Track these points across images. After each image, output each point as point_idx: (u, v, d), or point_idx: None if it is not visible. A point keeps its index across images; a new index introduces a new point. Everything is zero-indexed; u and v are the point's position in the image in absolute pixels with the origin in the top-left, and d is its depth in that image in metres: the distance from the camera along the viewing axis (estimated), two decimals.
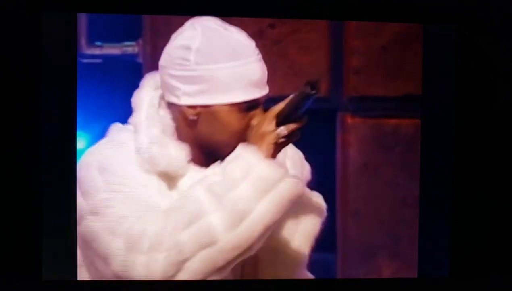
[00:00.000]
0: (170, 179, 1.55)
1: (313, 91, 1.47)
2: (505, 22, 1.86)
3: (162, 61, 1.57)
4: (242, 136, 1.55)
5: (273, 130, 1.49)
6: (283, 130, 1.49)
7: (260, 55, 1.60)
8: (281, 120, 1.53)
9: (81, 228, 1.53)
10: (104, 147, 1.57)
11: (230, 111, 1.53)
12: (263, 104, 1.60)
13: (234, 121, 1.54)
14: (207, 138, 1.56)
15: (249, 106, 1.54)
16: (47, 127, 1.77)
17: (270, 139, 1.49)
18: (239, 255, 1.48)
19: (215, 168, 1.53)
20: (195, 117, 1.55)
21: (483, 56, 1.90)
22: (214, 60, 1.50)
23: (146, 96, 1.58)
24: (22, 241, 1.78)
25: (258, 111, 1.58)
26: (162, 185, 1.54)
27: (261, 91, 1.59)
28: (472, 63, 1.90)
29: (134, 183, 1.51)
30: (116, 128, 1.61)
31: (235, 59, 1.51)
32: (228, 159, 1.51)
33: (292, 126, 1.50)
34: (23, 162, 1.78)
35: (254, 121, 1.54)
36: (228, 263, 1.48)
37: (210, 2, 1.84)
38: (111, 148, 1.55)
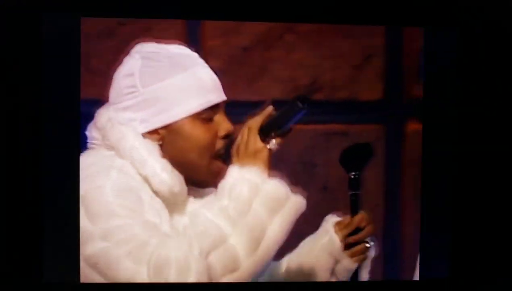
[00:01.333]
0: (171, 204, 1.53)
1: (305, 106, 1.49)
2: (506, 25, 1.91)
3: (111, 100, 1.56)
4: (212, 151, 1.55)
5: (264, 147, 1.51)
6: (274, 145, 1.52)
7: (205, 64, 1.59)
8: (265, 134, 1.52)
9: (88, 251, 1.43)
10: (109, 172, 1.48)
11: (193, 124, 1.52)
12: (224, 112, 1.58)
13: (199, 134, 1.53)
14: (178, 161, 1.53)
15: (209, 115, 1.54)
16: (48, 128, 1.74)
17: (264, 156, 1.50)
18: (254, 279, 1.50)
19: (215, 193, 1.52)
20: (160, 142, 1.53)
21: (485, 59, 1.92)
22: (160, 78, 1.51)
23: (123, 124, 1.52)
24: (24, 243, 1.75)
25: (222, 120, 1.56)
26: (166, 211, 1.51)
27: (217, 97, 1.56)
28: (474, 66, 1.91)
29: (148, 209, 1.46)
30: (99, 153, 1.55)
31: (181, 72, 1.52)
32: (228, 182, 1.49)
33: (279, 140, 1.53)
34: (25, 163, 1.75)
35: (222, 132, 1.56)
36: None
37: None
38: (117, 173, 1.48)
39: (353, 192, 1.69)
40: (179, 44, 1.62)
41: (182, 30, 2.05)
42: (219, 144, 1.56)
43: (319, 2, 1.87)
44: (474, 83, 1.89)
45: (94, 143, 1.56)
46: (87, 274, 1.45)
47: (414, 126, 2.20)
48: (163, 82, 1.51)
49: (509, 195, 1.93)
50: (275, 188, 1.49)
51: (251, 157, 1.50)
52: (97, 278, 1.44)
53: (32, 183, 1.75)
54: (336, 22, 1.96)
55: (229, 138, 1.56)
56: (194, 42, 2.01)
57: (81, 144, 1.65)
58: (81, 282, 1.51)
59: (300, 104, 1.50)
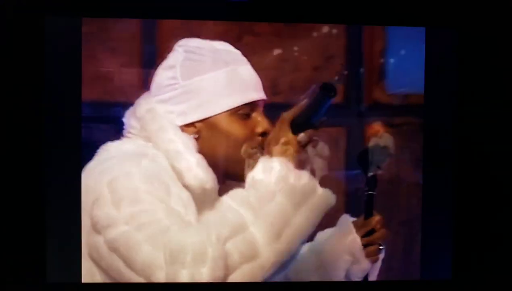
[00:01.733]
0: (200, 201, 1.52)
1: (332, 94, 1.49)
2: (507, 26, 1.91)
3: (151, 92, 1.59)
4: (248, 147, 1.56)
5: (293, 138, 1.50)
6: (304, 137, 1.51)
7: (248, 62, 1.62)
8: (296, 126, 1.51)
9: (111, 235, 1.42)
10: (140, 159, 1.49)
11: (230, 120, 1.54)
12: (262, 110, 1.59)
13: (236, 130, 1.55)
14: (214, 155, 1.55)
15: (247, 112, 1.55)
16: (50, 130, 1.72)
17: (293, 149, 1.50)
18: (275, 272, 1.47)
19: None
20: (197, 135, 1.54)
21: (485, 59, 1.91)
22: (201, 72, 1.54)
23: (163, 116, 1.54)
24: (27, 243, 1.74)
25: (259, 118, 1.57)
26: (194, 204, 1.50)
27: (257, 95, 1.58)
28: (474, 66, 1.91)
29: (175, 199, 1.45)
30: (135, 143, 1.56)
31: (223, 67, 1.54)
32: (254, 172, 1.49)
33: (311, 132, 1.52)
34: (27, 165, 1.73)
35: (259, 129, 1.57)
36: (264, 279, 1.45)
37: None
38: (149, 162, 1.49)
39: (369, 192, 1.70)
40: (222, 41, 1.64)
41: (137, 30, 1.99)
42: (256, 141, 1.56)
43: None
44: (474, 84, 1.90)
45: (130, 133, 1.58)
46: (107, 259, 1.44)
47: (375, 129, 2.22)
48: (203, 76, 1.52)
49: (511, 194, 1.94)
50: (301, 179, 1.48)
51: (279, 148, 1.50)
52: (116, 262, 1.42)
53: (35, 183, 1.71)
54: (334, 21, 1.99)
55: (266, 136, 1.56)
56: (149, 42, 2.00)
57: (82, 143, 1.69)
58: (87, 276, 1.52)
59: (325, 93, 1.49)
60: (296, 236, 1.47)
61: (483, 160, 1.92)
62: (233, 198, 1.47)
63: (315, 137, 1.53)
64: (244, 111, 1.55)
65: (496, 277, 1.92)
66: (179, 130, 1.52)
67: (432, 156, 1.92)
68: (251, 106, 1.57)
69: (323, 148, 1.56)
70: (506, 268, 1.92)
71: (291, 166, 1.48)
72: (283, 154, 1.48)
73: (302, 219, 1.47)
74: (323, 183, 2.05)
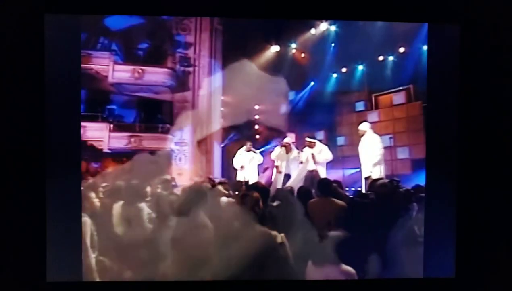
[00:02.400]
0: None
1: None
2: (508, 23, 1.93)
3: None
4: None
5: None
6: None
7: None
8: None
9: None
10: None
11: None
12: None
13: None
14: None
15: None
16: (50, 128, 1.73)
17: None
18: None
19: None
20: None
21: (487, 55, 1.93)
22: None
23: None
24: (27, 243, 1.69)
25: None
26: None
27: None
28: (476, 62, 1.92)
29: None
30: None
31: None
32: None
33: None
34: (28, 164, 1.71)
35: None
36: None
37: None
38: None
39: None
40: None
41: None
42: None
43: None
44: (475, 79, 1.90)
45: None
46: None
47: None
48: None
49: None
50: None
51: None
52: None
53: (36, 184, 1.72)
54: (336, 18, 2.12)
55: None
56: None
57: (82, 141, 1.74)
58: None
59: None
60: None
61: (486, 159, 1.93)
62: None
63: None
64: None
65: (498, 275, 1.93)
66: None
67: (435, 155, 1.93)
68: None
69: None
70: (508, 267, 1.93)
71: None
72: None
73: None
74: None
